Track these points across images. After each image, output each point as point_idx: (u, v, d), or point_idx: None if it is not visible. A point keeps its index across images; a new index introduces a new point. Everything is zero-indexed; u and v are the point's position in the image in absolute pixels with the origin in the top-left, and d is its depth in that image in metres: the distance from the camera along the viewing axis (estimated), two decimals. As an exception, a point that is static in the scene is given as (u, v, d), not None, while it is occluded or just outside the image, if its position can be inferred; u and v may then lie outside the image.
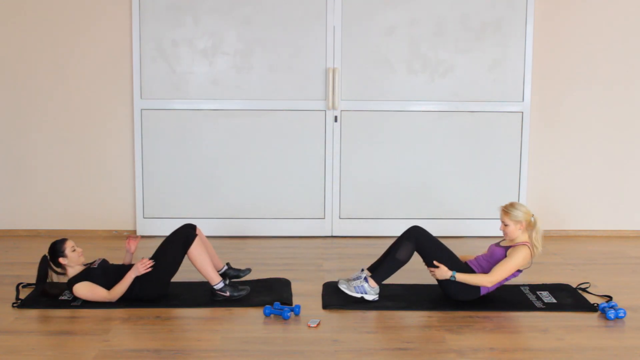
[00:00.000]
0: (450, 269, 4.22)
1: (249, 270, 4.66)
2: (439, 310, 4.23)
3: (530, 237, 4.25)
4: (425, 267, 4.51)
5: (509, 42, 5.84)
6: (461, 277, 4.19)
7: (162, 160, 5.93)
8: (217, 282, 4.34)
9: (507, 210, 4.25)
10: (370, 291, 4.31)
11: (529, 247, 4.22)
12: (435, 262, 4.23)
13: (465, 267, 4.30)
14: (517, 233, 4.25)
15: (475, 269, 4.31)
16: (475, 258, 4.37)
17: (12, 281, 4.71)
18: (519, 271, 4.28)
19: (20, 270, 5.00)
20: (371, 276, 4.34)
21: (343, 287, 4.35)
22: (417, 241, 4.29)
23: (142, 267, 4.24)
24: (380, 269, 4.34)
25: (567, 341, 3.83)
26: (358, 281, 4.33)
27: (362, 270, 4.63)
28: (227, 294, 4.34)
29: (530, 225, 4.24)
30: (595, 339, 3.86)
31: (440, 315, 4.18)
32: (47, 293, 4.35)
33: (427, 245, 4.29)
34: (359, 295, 4.31)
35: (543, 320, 4.11)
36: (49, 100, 5.89)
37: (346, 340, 3.81)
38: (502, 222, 4.27)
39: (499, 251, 4.28)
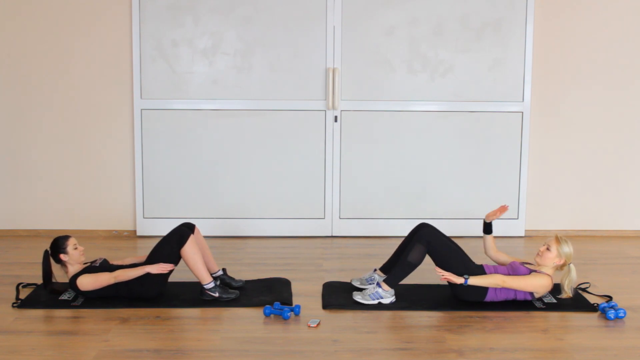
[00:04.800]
0: (463, 271, 4.22)
1: (242, 282, 4.64)
2: (439, 310, 4.24)
3: (562, 281, 4.29)
4: (429, 266, 4.53)
5: (509, 42, 5.84)
6: (473, 280, 4.17)
7: (162, 160, 5.93)
8: (208, 282, 4.34)
9: (560, 240, 4.27)
10: (386, 295, 4.31)
11: (551, 280, 4.24)
12: (439, 272, 4.24)
13: (478, 270, 4.28)
14: (550, 263, 4.26)
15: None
16: (493, 267, 4.34)
17: (12, 281, 4.71)
18: (532, 295, 4.27)
19: (20, 270, 5.00)
20: (384, 280, 4.34)
21: (358, 298, 4.33)
22: (429, 244, 4.28)
23: (160, 268, 4.23)
24: (392, 273, 4.33)
25: (567, 341, 3.83)
26: (371, 288, 4.33)
27: (375, 270, 4.63)
28: (217, 294, 4.33)
29: (563, 268, 4.29)
30: (595, 339, 3.86)
31: (440, 315, 4.18)
32: (53, 291, 4.36)
33: (438, 249, 4.28)
34: (375, 302, 4.31)
35: (543, 320, 4.11)
36: (49, 101, 5.89)
37: (346, 340, 3.81)
38: (548, 245, 4.27)
39: (524, 270, 4.28)
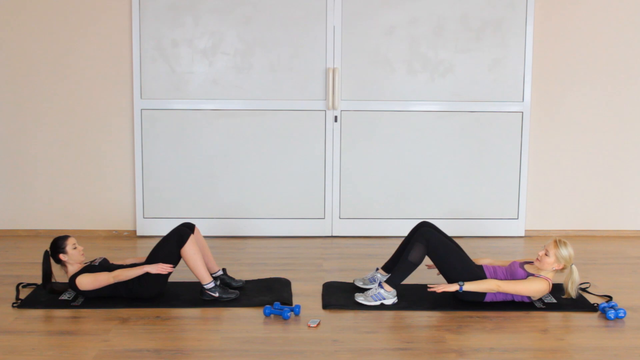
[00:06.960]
0: (462, 272, 4.21)
1: (242, 282, 4.64)
2: (439, 310, 4.24)
3: (565, 283, 4.25)
4: (426, 266, 4.55)
5: (509, 42, 5.84)
6: (469, 286, 4.14)
7: (162, 161, 5.93)
8: (208, 282, 4.34)
9: (559, 244, 4.21)
10: (388, 295, 4.30)
11: (549, 284, 4.21)
12: (431, 289, 4.22)
13: (478, 270, 4.27)
14: (549, 268, 4.23)
15: (489, 275, 4.28)
16: (493, 267, 4.34)
17: (12, 281, 4.71)
18: (529, 298, 4.27)
19: (20, 270, 5.00)
20: (386, 281, 4.33)
21: (360, 299, 4.32)
22: (428, 243, 4.26)
23: (159, 268, 4.23)
24: (393, 273, 4.32)
25: (567, 341, 3.83)
26: (373, 290, 4.32)
27: (377, 269, 4.63)
28: (216, 294, 4.34)
29: (564, 270, 4.25)
30: (595, 339, 3.86)
31: (440, 315, 4.18)
32: (53, 291, 4.37)
33: (437, 248, 4.26)
34: (378, 303, 4.30)
35: (543, 320, 4.11)
36: (49, 100, 5.89)
37: (346, 340, 3.81)
38: (546, 250, 4.23)
39: (522, 273, 4.25)
